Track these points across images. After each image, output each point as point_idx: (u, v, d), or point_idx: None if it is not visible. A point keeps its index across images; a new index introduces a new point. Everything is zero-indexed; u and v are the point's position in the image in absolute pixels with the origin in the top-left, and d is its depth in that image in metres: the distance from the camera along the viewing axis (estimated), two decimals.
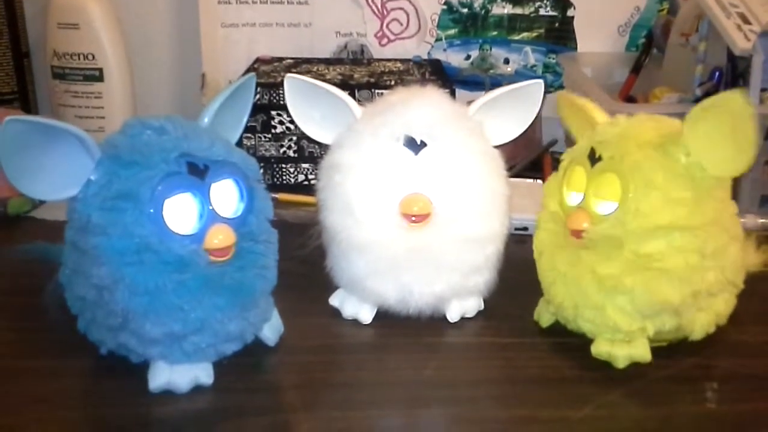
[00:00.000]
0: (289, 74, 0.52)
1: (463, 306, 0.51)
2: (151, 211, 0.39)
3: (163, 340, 0.41)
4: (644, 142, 0.44)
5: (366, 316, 0.51)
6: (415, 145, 0.47)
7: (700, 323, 0.46)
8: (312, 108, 0.52)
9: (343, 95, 0.50)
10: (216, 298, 0.41)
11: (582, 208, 0.46)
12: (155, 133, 0.41)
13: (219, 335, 0.42)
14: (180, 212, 0.40)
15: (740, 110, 0.41)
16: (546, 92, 0.91)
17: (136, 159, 0.40)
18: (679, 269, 0.43)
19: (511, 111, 0.52)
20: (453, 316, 0.51)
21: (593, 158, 0.45)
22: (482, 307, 0.52)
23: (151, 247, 0.39)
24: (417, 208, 0.47)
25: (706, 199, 0.43)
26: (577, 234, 0.45)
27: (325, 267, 0.52)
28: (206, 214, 0.41)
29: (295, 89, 0.52)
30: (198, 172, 0.41)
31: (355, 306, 0.51)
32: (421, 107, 0.48)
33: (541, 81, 0.52)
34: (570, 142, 0.85)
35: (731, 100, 0.41)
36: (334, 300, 0.52)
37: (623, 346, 0.45)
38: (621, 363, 0.45)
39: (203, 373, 0.43)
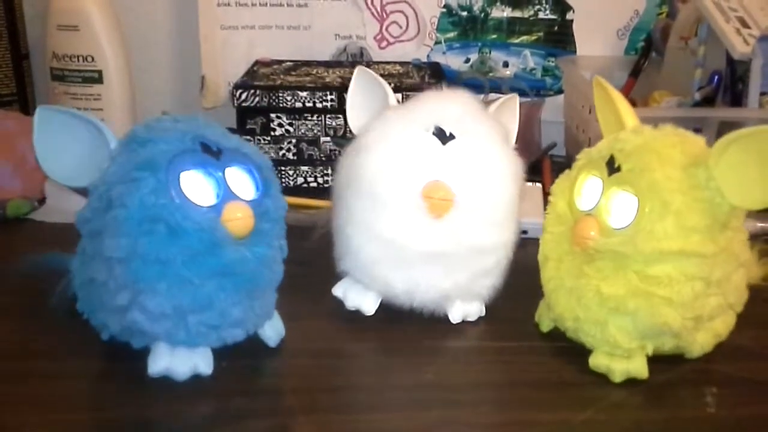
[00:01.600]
0: (360, 66, 0.52)
1: (466, 309, 0.51)
2: (168, 181, 0.40)
3: (170, 315, 0.41)
4: (667, 160, 0.43)
5: (370, 306, 0.51)
6: (444, 136, 0.47)
7: (699, 344, 0.46)
8: (364, 99, 0.52)
9: (389, 89, 0.51)
10: (224, 278, 0.42)
11: (592, 215, 0.45)
12: (170, 120, 0.43)
13: (223, 316, 0.42)
14: (197, 186, 0.41)
15: None
16: (545, 96, 0.93)
17: (153, 137, 0.41)
18: (684, 296, 0.42)
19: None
20: (455, 317, 0.51)
21: (612, 166, 0.44)
22: (484, 312, 0.52)
23: (167, 217, 0.39)
24: (438, 196, 0.47)
25: (721, 227, 0.43)
26: (584, 242, 0.44)
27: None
28: (223, 192, 0.42)
29: (363, 81, 0.52)
30: (212, 153, 0.42)
31: (359, 296, 0.51)
32: (454, 103, 0.49)
33: (515, 95, 0.54)
34: (570, 145, 0.85)
35: (764, 132, 0.40)
36: (338, 290, 0.52)
37: (621, 361, 0.45)
38: (618, 377, 0.45)
39: (203, 362, 0.43)
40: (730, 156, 0.41)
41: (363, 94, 0.52)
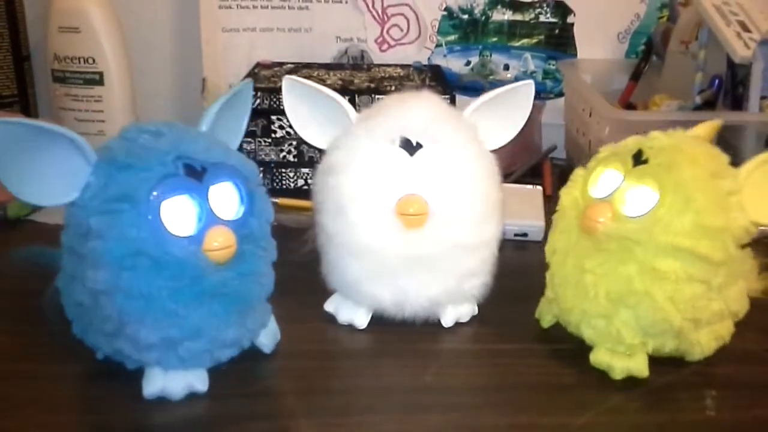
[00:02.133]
0: (287, 76, 0.52)
1: (458, 311, 0.51)
2: (149, 213, 0.39)
3: (158, 345, 0.40)
4: (697, 162, 0.43)
5: (361, 321, 0.50)
6: (410, 147, 0.47)
7: (700, 347, 0.46)
8: (309, 111, 0.52)
9: (340, 99, 0.51)
10: (213, 304, 0.41)
11: (607, 201, 0.45)
12: (152, 136, 0.41)
13: (216, 341, 0.42)
14: (178, 214, 0.40)
15: None
16: (546, 99, 0.93)
17: (132, 162, 0.40)
18: (684, 294, 0.43)
19: (503, 113, 0.52)
20: (447, 321, 0.51)
21: (638, 159, 0.44)
22: (476, 312, 0.52)
23: (149, 250, 0.39)
24: (413, 209, 0.47)
25: (732, 238, 0.43)
26: (593, 226, 0.44)
27: (321, 272, 0.52)
28: (205, 216, 0.40)
29: (293, 91, 0.52)
30: (195, 174, 0.41)
31: (350, 311, 0.51)
32: (417, 109, 0.48)
33: (531, 82, 0.53)
34: (570, 148, 0.85)
35: None
36: (329, 306, 0.52)
37: (622, 358, 0.45)
38: (618, 375, 0.45)
39: (198, 380, 0.43)
40: (762, 172, 0.42)
41: (306, 106, 0.52)
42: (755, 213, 0.43)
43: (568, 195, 0.48)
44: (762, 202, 0.43)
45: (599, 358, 0.46)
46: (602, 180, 0.46)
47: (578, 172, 0.48)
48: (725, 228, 0.42)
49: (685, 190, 0.42)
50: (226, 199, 0.42)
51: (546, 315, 0.50)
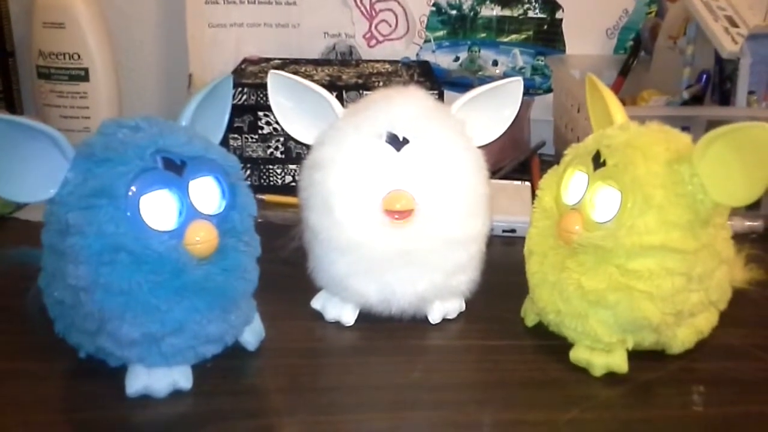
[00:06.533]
0: (272, 71, 0.51)
1: (445, 307, 0.51)
2: (127, 208, 0.38)
3: (140, 341, 0.40)
4: (651, 156, 0.43)
5: (348, 318, 0.50)
6: (397, 142, 0.47)
7: (680, 340, 0.46)
8: (295, 106, 0.52)
9: (326, 94, 0.50)
10: (195, 299, 0.40)
11: (577, 210, 0.45)
12: (130, 131, 0.40)
13: (198, 337, 0.42)
14: (158, 209, 0.39)
15: (761, 142, 0.39)
16: (534, 95, 0.92)
17: (110, 156, 0.39)
18: (664, 290, 0.43)
19: (492, 109, 0.52)
20: (435, 317, 0.51)
21: (597, 161, 0.44)
22: (464, 308, 0.52)
23: (128, 245, 0.38)
24: (400, 205, 0.46)
25: (702, 224, 0.43)
26: (568, 237, 0.44)
27: (308, 268, 0.51)
28: (186, 210, 0.40)
29: (279, 86, 0.51)
30: (175, 168, 0.40)
31: (337, 308, 0.51)
32: (404, 104, 0.48)
33: (520, 78, 0.52)
34: (559, 143, 0.85)
35: (752, 129, 0.39)
36: (316, 303, 0.52)
37: (602, 355, 0.45)
38: (598, 371, 0.45)
39: (182, 378, 0.42)
40: (714, 152, 0.41)
41: (292, 101, 0.51)
42: (716, 192, 0.42)
43: (542, 200, 0.48)
44: (720, 180, 0.41)
45: (578, 355, 0.46)
46: (572, 184, 0.46)
47: (550, 176, 0.48)
48: (692, 215, 0.42)
49: (643, 187, 0.42)
50: (207, 193, 0.41)
51: (530, 314, 0.50)
